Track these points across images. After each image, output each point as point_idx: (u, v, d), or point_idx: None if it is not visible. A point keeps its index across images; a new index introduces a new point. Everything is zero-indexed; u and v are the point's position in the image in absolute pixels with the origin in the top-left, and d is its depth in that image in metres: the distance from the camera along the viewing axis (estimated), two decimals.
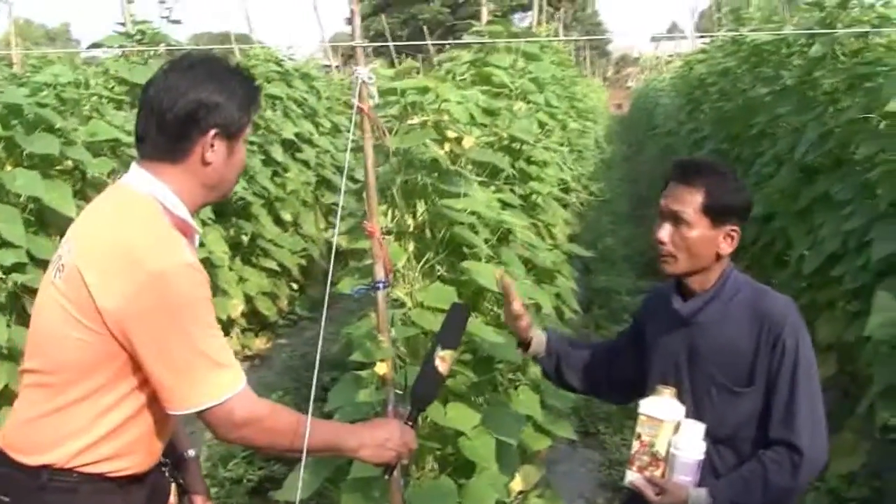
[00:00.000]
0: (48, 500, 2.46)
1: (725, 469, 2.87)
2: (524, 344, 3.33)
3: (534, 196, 5.64)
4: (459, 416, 3.76)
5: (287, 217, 9.64)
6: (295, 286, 9.92)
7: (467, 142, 3.96)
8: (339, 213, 3.17)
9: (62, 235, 5.27)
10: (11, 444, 2.52)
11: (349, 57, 23.41)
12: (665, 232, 2.88)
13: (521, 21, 49.22)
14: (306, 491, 3.71)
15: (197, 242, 2.64)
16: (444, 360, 2.86)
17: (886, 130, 5.19)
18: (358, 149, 3.36)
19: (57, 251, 2.56)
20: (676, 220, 2.85)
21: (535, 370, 4.51)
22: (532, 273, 5.05)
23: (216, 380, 2.38)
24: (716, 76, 11.80)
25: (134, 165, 2.55)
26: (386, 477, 2.85)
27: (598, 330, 8.54)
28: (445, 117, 3.91)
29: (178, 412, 2.41)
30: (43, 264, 5.22)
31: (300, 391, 7.19)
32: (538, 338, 3.31)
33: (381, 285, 3.29)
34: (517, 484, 4.56)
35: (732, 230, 2.87)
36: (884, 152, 5.38)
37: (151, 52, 7.02)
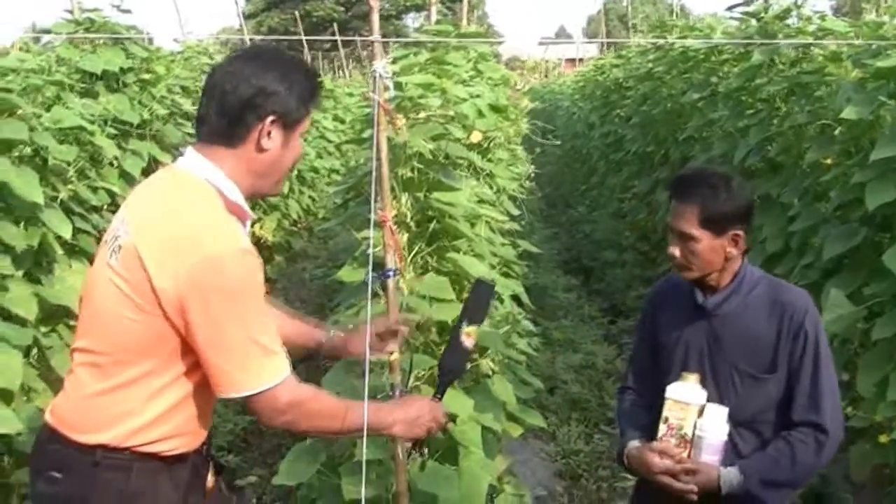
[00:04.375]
0: (102, 478, 2.51)
1: (747, 450, 3.05)
2: None
3: (497, 192, 5.79)
4: (453, 402, 3.87)
5: None
6: None
7: (475, 136, 4.08)
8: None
9: (27, 221, 5.31)
10: (65, 421, 2.57)
11: None
12: (675, 249, 3.07)
13: (415, 22, 49.18)
14: (302, 476, 3.79)
15: (247, 228, 2.71)
16: (469, 335, 2.99)
17: (840, 137, 5.44)
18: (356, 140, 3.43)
19: (111, 231, 2.59)
20: (682, 236, 3.03)
21: (497, 359, 4.66)
22: (500, 266, 5.20)
23: (266, 366, 2.45)
24: (636, 80, 12.05)
25: (190, 149, 2.60)
26: (415, 452, 2.96)
27: (535, 325, 8.66)
28: (451, 112, 4.02)
29: (229, 396, 2.47)
30: (8, 249, 5.17)
31: None
32: None
33: (391, 273, 3.38)
34: None
35: (735, 235, 3.03)
36: (825, 159, 5.64)
37: (101, 41, 6.97)
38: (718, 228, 3.00)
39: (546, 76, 37.29)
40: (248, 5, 56.70)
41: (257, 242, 11.04)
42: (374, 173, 3.16)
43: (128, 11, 7.57)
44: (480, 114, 4.50)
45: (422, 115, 3.91)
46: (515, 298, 5.62)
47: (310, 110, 2.64)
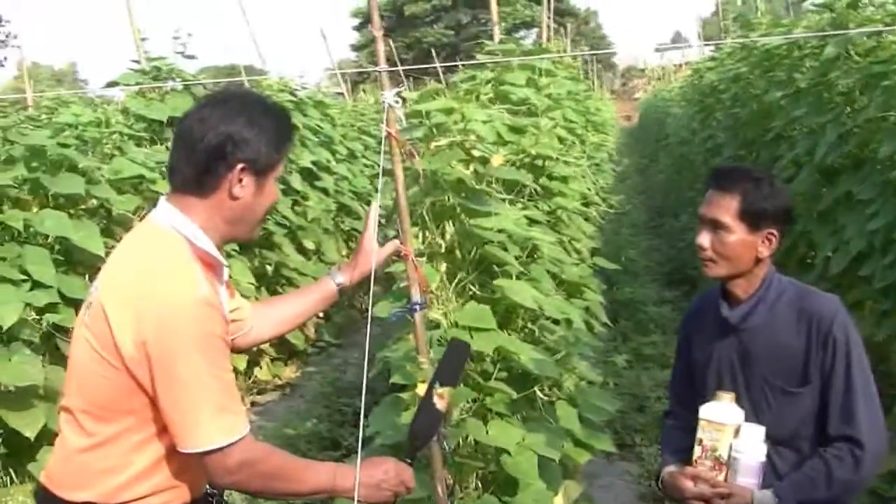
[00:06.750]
0: None
1: (787, 469, 2.90)
2: None
3: (558, 211, 5.66)
4: (501, 434, 3.77)
5: (309, 245, 9.65)
6: (321, 314, 9.95)
7: (496, 160, 3.97)
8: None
9: (92, 274, 5.41)
10: (54, 480, 2.54)
11: (356, 83, 23.56)
12: (705, 238, 2.94)
13: (525, 38, 49.53)
14: None
15: (225, 275, 2.64)
16: (441, 397, 2.84)
17: None
18: (386, 173, 3.36)
19: (90, 289, 2.58)
20: (715, 226, 2.91)
21: (569, 384, 4.52)
22: (561, 288, 5.06)
23: (219, 424, 2.36)
24: (727, 82, 11.77)
25: (161, 199, 2.55)
26: None
27: (626, 342, 8.53)
28: (472, 137, 3.92)
29: (184, 451, 2.39)
30: (74, 303, 5.28)
31: (332, 417, 7.22)
32: None
33: (417, 307, 3.29)
34: (559, 500, 4.54)
35: (770, 234, 2.91)
36: None
37: (168, 89, 7.04)
38: (755, 224, 2.89)
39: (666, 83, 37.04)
40: (361, 36, 58.11)
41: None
42: (375, 207, 3.10)
43: (192, 57, 7.65)
44: (499, 136, 4.39)
45: (442, 141, 3.81)
46: (589, 313, 5.47)
47: (282, 155, 2.57)
